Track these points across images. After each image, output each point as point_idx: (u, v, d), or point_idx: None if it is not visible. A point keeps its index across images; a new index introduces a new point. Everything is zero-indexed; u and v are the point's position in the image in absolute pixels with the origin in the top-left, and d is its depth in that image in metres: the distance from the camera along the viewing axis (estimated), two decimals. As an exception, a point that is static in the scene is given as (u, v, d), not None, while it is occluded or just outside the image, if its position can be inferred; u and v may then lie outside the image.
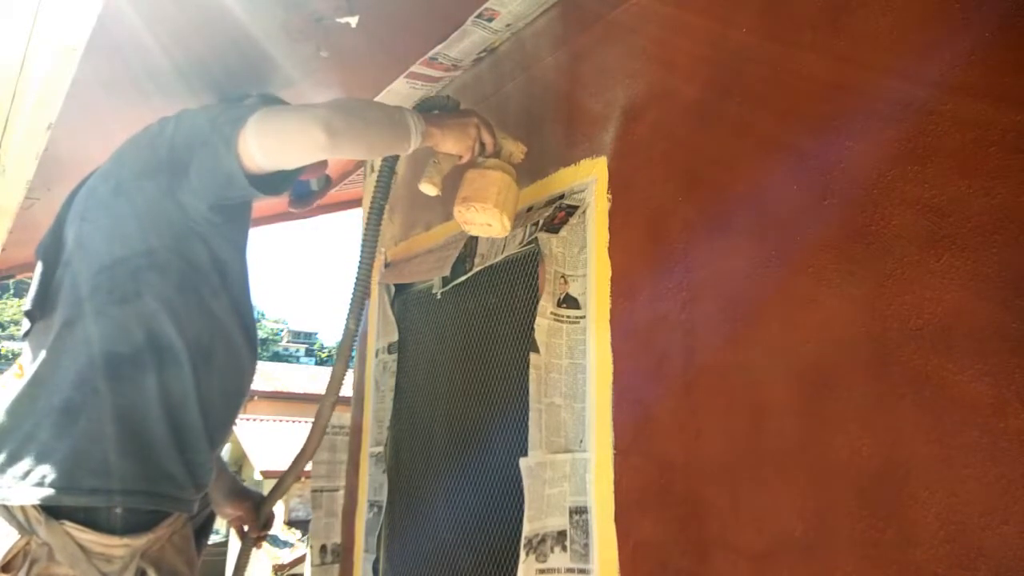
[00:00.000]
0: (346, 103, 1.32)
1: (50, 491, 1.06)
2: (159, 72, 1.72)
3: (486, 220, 1.43)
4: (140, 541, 1.11)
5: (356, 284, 1.56)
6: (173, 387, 1.19)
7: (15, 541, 1.05)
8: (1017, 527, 0.78)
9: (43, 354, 1.16)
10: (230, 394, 1.33)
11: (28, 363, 1.20)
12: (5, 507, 1.07)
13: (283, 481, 1.61)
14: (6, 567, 1.04)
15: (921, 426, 0.88)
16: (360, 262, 1.57)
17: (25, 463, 1.07)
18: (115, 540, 1.08)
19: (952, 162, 0.89)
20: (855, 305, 0.98)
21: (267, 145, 1.18)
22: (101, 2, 1.23)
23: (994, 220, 0.85)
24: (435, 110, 1.48)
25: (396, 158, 1.51)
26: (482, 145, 1.44)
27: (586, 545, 1.31)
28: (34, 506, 1.06)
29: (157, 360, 1.18)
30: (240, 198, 1.27)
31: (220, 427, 1.31)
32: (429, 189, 1.44)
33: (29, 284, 1.29)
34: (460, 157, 1.45)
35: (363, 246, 1.58)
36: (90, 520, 1.08)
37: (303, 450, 1.59)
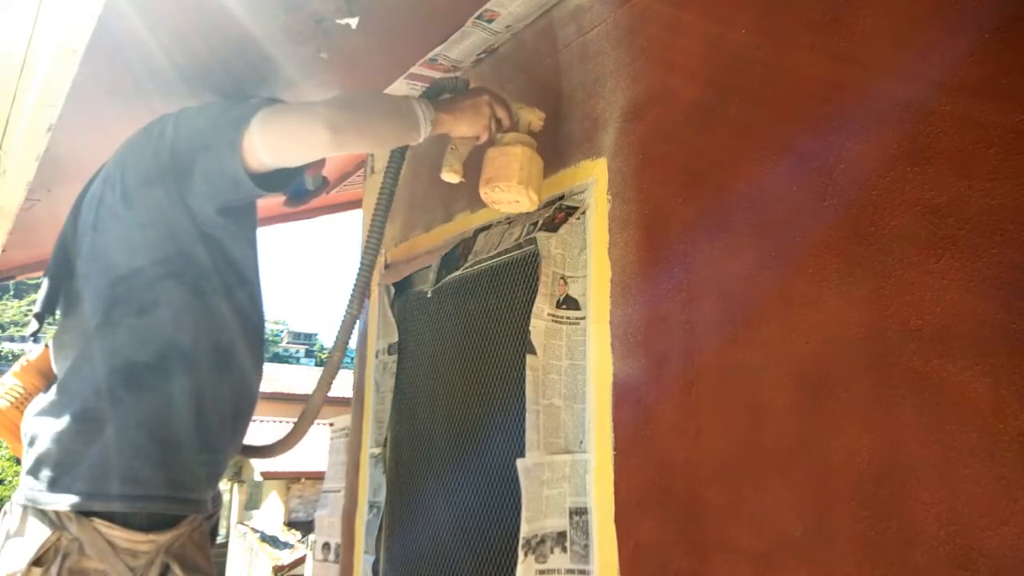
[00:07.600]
0: (350, 98, 1.31)
1: (78, 497, 1.10)
2: (159, 73, 1.72)
3: (513, 197, 1.42)
4: (164, 537, 1.17)
5: (356, 282, 1.54)
6: (197, 391, 1.21)
7: (46, 536, 1.07)
8: (1017, 528, 0.78)
9: (68, 364, 1.19)
10: (251, 386, 1.35)
11: (56, 368, 1.23)
12: (37, 508, 1.11)
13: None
14: (38, 561, 1.07)
15: (921, 426, 0.88)
16: (364, 254, 1.55)
17: (55, 469, 1.12)
18: (141, 536, 1.13)
19: (952, 162, 0.89)
20: (855, 305, 0.97)
21: (271, 144, 1.18)
22: (102, 3, 1.23)
23: (994, 220, 0.85)
24: (445, 93, 1.46)
25: (407, 147, 1.49)
26: (498, 121, 1.42)
27: (586, 546, 1.31)
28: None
29: (180, 367, 1.20)
30: (247, 199, 1.28)
31: (243, 421, 1.35)
32: (451, 177, 1.42)
33: (29, 285, 1.32)
34: (477, 138, 1.43)
35: (370, 233, 1.54)
36: (118, 518, 1.12)
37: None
